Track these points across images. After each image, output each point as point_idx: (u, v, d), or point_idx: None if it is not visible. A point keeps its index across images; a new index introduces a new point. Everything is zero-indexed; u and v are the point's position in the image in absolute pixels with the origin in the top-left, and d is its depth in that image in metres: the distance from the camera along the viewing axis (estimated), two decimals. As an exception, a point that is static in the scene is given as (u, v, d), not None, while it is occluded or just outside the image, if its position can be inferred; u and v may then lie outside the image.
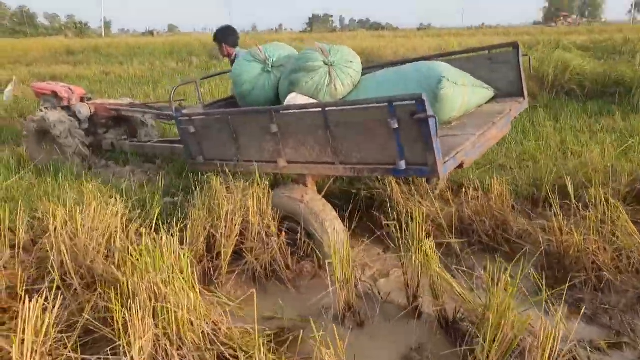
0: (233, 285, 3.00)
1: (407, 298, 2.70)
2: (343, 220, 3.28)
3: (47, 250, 2.95)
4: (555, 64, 7.93)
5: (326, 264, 2.98)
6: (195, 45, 22.19)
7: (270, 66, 3.71)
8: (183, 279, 2.22)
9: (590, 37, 13.56)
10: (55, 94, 6.13)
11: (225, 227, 3.01)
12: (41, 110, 6.01)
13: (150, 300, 2.05)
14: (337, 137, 2.75)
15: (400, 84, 3.29)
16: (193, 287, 2.26)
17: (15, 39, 39.69)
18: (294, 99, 3.38)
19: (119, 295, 2.07)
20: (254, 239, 3.06)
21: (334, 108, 2.73)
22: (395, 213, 3.55)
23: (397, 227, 2.72)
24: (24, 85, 11.27)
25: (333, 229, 3.03)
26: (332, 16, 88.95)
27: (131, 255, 2.29)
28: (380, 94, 3.19)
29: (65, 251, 2.73)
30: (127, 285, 2.10)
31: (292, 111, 2.97)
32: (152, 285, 2.06)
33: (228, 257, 2.92)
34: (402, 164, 2.51)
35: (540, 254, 2.99)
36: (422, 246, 2.54)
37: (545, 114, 6.24)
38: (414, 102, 2.35)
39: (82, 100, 6.14)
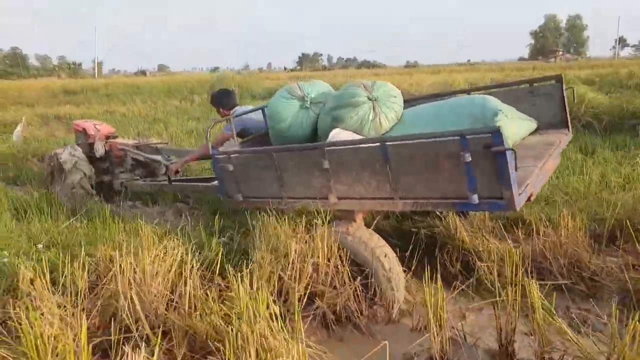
0: (306, 331, 2.83)
1: (500, 342, 2.55)
2: (403, 262, 3.18)
3: (109, 297, 2.79)
4: (570, 97, 8.02)
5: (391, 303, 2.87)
6: (193, 83, 22.30)
7: (308, 102, 3.68)
8: (284, 328, 2.07)
9: (594, 72, 13.87)
10: (84, 131, 6.12)
11: (294, 269, 2.88)
12: (73, 147, 5.97)
13: (258, 353, 1.90)
14: (398, 172, 2.68)
15: (450, 117, 3.25)
16: (299, 337, 2.11)
17: (10, 80, 39.67)
18: (338, 134, 3.34)
19: (231, 348, 1.91)
20: (324, 282, 2.92)
21: (396, 142, 2.67)
22: (459, 252, 3.46)
23: (489, 269, 2.60)
24: (31, 127, 11.17)
25: (385, 255, 2.97)
26: (321, 55, 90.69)
27: (222, 303, 2.13)
28: (429, 127, 3.17)
29: (134, 298, 2.57)
30: (237, 336, 1.93)
31: (346, 146, 2.92)
32: (259, 336, 1.91)
33: (303, 302, 2.76)
34: (475, 198, 2.44)
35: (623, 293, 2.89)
36: (517, 288, 2.43)
37: (573, 147, 6.25)
38: (489, 134, 2.31)
39: (107, 138, 6.10)
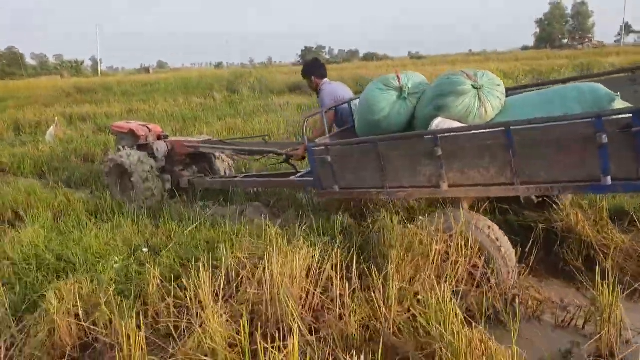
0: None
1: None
2: (521, 258, 3.13)
3: (245, 302, 2.73)
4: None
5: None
6: (210, 80, 22.08)
7: (407, 93, 3.62)
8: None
9: (627, 58, 13.73)
10: (132, 132, 6.03)
11: (434, 269, 2.82)
12: (118, 150, 5.89)
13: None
14: (522, 157, 2.72)
15: (557, 105, 3.19)
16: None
17: (14, 80, 39.40)
18: (442, 123, 3.29)
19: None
20: (464, 281, 2.86)
21: (522, 127, 2.70)
22: (581, 246, 3.40)
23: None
24: (63, 127, 11.05)
25: (488, 227, 3.04)
26: (325, 47, 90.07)
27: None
28: (535, 115, 3.08)
29: (284, 302, 2.51)
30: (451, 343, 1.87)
31: (463, 133, 2.94)
32: (478, 342, 1.85)
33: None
34: (608, 180, 2.48)
35: None
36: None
37: None
38: (629, 115, 2.36)
39: (159, 138, 6.03)
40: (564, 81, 4.05)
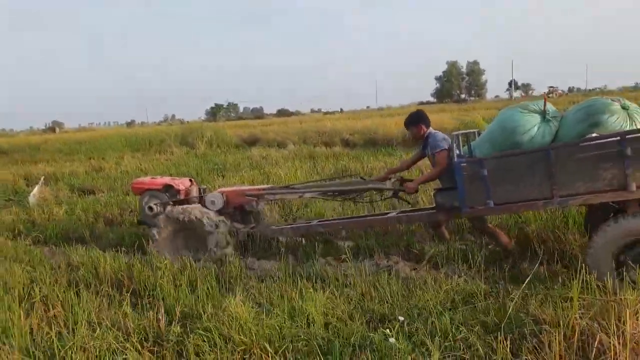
0: None
1: None
2: None
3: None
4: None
5: None
6: (159, 136, 20.93)
7: (550, 116, 3.84)
8: None
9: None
10: (169, 187, 5.65)
11: None
12: (150, 208, 5.46)
13: None
14: None
15: None
16: None
17: None
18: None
19: None
20: None
21: None
22: None
23: None
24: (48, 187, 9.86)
25: None
26: (237, 104, 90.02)
27: None
28: None
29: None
30: None
31: None
32: None
33: None
34: None
35: None
36: None
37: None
38: None
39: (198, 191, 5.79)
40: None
